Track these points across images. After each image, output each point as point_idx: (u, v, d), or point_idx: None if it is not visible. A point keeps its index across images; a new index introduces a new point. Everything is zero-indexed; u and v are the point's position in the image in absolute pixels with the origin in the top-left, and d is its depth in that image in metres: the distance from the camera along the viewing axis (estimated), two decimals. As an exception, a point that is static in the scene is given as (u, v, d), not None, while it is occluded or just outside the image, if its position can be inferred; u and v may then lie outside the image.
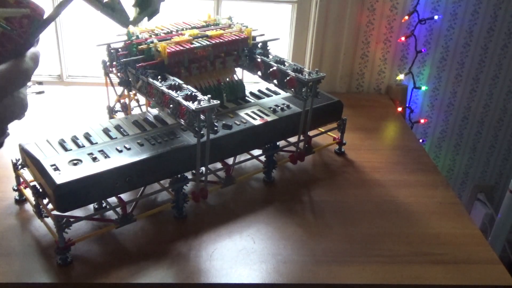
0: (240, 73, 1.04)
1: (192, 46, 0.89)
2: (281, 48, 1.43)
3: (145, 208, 0.84)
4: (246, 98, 1.01)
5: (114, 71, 0.93)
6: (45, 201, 0.76)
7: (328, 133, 1.08)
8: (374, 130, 1.24)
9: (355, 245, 0.81)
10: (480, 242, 0.84)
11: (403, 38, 1.40)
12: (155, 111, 0.93)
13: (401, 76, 1.46)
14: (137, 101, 1.03)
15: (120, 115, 1.02)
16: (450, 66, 1.48)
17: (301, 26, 1.39)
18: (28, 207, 0.84)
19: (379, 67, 1.45)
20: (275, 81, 0.96)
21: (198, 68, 0.91)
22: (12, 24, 0.43)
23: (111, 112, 1.04)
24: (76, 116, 1.18)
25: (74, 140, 0.81)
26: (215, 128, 0.77)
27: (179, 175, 0.82)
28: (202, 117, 0.74)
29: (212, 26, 1.00)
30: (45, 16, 0.46)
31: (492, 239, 1.65)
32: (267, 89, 1.07)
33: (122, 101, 1.03)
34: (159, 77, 0.82)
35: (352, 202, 0.93)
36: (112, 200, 0.78)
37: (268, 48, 1.02)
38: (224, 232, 0.82)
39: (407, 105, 1.49)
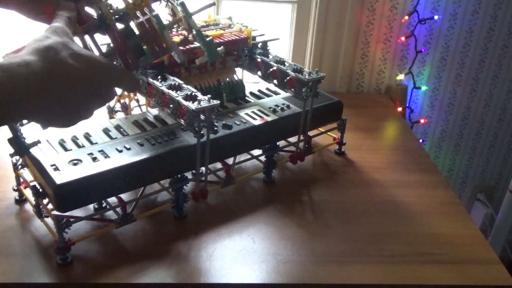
0: (240, 73, 1.04)
1: (192, 46, 0.89)
2: (281, 48, 1.43)
3: (145, 208, 0.84)
4: (246, 98, 1.01)
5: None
6: (45, 201, 0.76)
7: (328, 133, 1.08)
8: (374, 130, 1.24)
9: (355, 245, 0.81)
10: (480, 242, 0.84)
11: (403, 38, 1.40)
12: (155, 111, 0.93)
13: (401, 76, 1.46)
14: (137, 101, 1.03)
15: (120, 115, 1.02)
16: (450, 66, 1.48)
17: (301, 26, 1.39)
18: (28, 207, 0.84)
19: (379, 67, 1.45)
20: (275, 81, 0.96)
21: (198, 68, 0.91)
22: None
23: (111, 112, 1.04)
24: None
25: (74, 140, 0.81)
26: (215, 128, 0.77)
27: (179, 175, 0.82)
28: (202, 117, 0.74)
29: (212, 26, 1.00)
30: None
31: (492, 239, 1.65)
32: (267, 89, 1.07)
33: (122, 101, 1.03)
34: (159, 77, 0.82)
35: (352, 202, 0.93)
36: (112, 200, 0.79)
37: (268, 48, 1.01)
38: (224, 232, 0.82)
39: (407, 105, 1.49)
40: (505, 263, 0.80)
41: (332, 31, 1.36)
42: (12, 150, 0.76)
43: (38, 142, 0.66)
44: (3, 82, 0.41)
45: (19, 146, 0.66)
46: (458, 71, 1.50)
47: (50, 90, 0.45)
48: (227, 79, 0.98)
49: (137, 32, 0.67)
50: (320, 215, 0.88)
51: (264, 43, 1.01)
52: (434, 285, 0.75)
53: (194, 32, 0.71)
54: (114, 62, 0.67)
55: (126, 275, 0.72)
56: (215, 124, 0.76)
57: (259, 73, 1.00)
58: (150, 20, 0.64)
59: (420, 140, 1.55)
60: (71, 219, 0.72)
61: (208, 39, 0.67)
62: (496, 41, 1.45)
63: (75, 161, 0.74)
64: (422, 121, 1.55)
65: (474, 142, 1.64)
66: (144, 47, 0.68)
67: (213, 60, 0.67)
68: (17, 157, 0.83)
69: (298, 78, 0.89)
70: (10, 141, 0.72)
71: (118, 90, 1.01)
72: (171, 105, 0.78)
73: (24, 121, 0.69)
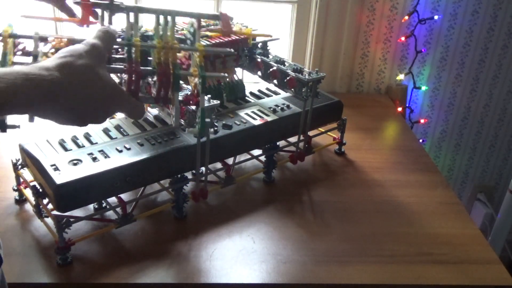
0: (240, 73, 1.04)
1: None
2: (281, 48, 1.43)
3: (145, 208, 0.84)
4: (246, 98, 1.01)
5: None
6: (45, 201, 0.76)
7: (328, 133, 1.08)
8: (374, 130, 1.24)
9: (355, 245, 0.81)
10: (480, 242, 0.84)
11: (403, 38, 1.40)
12: (155, 111, 0.93)
13: (401, 76, 1.46)
14: (137, 101, 1.03)
15: (120, 115, 1.02)
16: (450, 66, 1.48)
17: (301, 26, 1.39)
18: (28, 207, 0.84)
19: (379, 67, 1.45)
20: (275, 81, 0.96)
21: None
22: None
23: (111, 112, 1.04)
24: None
25: (74, 140, 0.81)
26: (215, 128, 0.77)
27: (179, 175, 0.82)
28: (202, 117, 0.74)
29: (212, 26, 1.00)
30: None
31: (492, 239, 1.65)
32: (267, 89, 1.07)
33: (122, 101, 1.02)
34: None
35: (352, 202, 0.93)
36: (112, 200, 0.79)
37: (268, 48, 1.02)
38: (224, 232, 0.82)
39: (407, 105, 1.49)
40: (505, 263, 0.80)
41: (332, 31, 1.36)
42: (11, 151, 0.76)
43: (18, 126, 0.68)
44: (24, 90, 0.47)
45: (0, 123, 0.68)
46: (458, 71, 1.49)
47: (63, 104, 0.51)
48: (227, 79, 0.98)
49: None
50: (320, 215, 0.88)
51: (264, 43, 1.01)
52: (434, 285, 0.75)
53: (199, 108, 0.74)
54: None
55: (126, 275, 0.72)
56: (215, 124, 0.76)
57: (259, 73, 1.00)
58: (170, 73, 0.66)
59: (420, 140, 1.55)
60: (71, 219, 0.72)
61: (207, 120, 0.71)
62: (496, 41, 1.45)
63: (75, 161, 0.74)
64: (422, 121, 1.55)
65: (474, 142, 1.64)
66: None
67: (201, 136, 0.74)
68: (17, 157, 0.83)
69: (298, 78, 0.89)
70: None
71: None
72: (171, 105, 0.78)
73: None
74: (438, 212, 0.92)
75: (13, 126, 0.68)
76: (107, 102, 0.56)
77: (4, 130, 0.68)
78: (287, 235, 0.82)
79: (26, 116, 0.58)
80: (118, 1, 0.69)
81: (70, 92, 0.51)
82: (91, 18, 0.72)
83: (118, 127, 0.86)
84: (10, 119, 0.65)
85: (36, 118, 0.59)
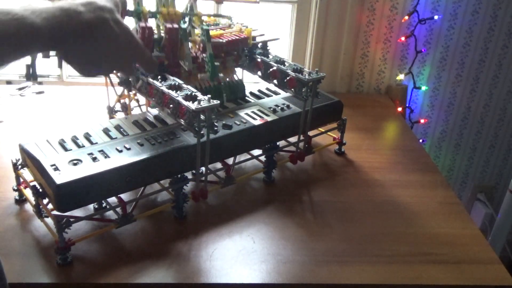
0: (240, 73, 1.04)
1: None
2: (281, 48, 1.43)
3: (145, 208, 0.84)
4: (246, 98, 1.01)
5: (114, 71, 0.93)
6: (45, 201, 0.76)
7: (328, 133, 1.08)
8: (374, 130, 1.24)
9: (355, 245, 0.81)
10: (480, 242, 0.84)
11: (403, 38, 1.40)
12: (155, 111, 0.93)
13: (401, 76, 1.46)
14: (137, 101, 1.03)
15: (120, 115, 1.02)
16: (450, 66, 1.48)
17: (301, 26, 1.39)
18: (28, 207, 0.84)
19: (379, 67, 1.45)
20: (275, 81, 0.96)
21: (198, 68, 0.91)
22: None
23: (111, 112, 1.04)
24: (76, 116, 1.18)
25: (74, 140, 0.81)
26: (215, 128, 0.77)
27: (179, 175, 0.82)
28: (202, 117, 0.74)
29: (212, 26, 1.00)
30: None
31: (492, 239, 1.65)
32: (267, 89, 1.07)
33: (122, 101, 1.03)
34: (159, 77, 0.82)
35: (352, 202, 0.93)
36: (112, 200, 0.79)
37: (268, 48, 1.01)
38: (224, 232, 0.82)
39: (407, 105, 1.49)
40: (505, 263, 0.80)
41: (332, 31, 1.36)
42: (11, 151, 0.76)
43: (47, 76, 0.74)
44: (60, 19, 0.53)
45: (32, 72, 0.76)
46: (458, 71, 1.50)
47: (88, 38, 0.56)
48: (227, 79, 0.98)
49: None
50: (320, 215, 0.88)
51: (264, 43, 1.01)
52: (434, 285, 0.75)
53: (205, 55, 0.86)
54: None
55: (126, 275, 0.72)
56: (215, 124, 0.76)
57: (259, 73, 1.00)
58: (177, 29, 0.75)
59: (420, 140, 1.55)
60: (71, 219, 0.72)
61: (216, 63, 0.83)
62: (496, 41, 1.45)
63: (75, 161, 0.74)
64: (422, 121, 1.55)
65: (474, 142, 1.64)
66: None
67: (213, 79, 0.86)
68: (17, 157, 0.83)
69: (298, 78, 0.89)
70: (27, 65, 0.78)
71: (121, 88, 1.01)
72: (171, 105, 0.78)
73: (52, 53, 0.74)
74: (438, 212, 0.92)
75: (43, 76, 0.73)
76: (127, 45, 0.60)
77: (35, 79, 0.72)
78: (287, 235, 0.82)
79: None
80: None
81: (98, 30, 0.56)
82: None
83: (118, 127, 0.86)
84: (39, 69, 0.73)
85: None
